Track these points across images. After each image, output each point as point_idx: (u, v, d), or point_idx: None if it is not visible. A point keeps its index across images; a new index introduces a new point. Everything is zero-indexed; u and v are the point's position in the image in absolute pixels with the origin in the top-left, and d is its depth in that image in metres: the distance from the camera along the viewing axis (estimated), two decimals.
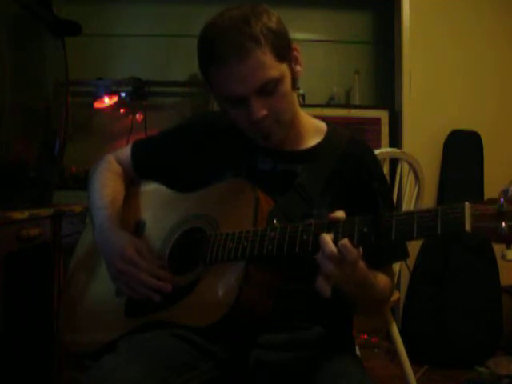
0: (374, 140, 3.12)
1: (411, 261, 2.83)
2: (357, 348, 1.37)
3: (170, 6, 3.38)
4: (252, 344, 1.04)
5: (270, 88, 1.04)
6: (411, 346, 2.18)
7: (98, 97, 3.18)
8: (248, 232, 0.98)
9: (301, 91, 3.11)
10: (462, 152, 3.02)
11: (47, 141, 2.05)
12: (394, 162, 2.05)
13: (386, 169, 1.84)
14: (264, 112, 1.05)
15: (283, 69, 1.05)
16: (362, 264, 0.92)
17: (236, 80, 1.02)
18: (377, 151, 1.51)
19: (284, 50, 1.05)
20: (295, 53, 1.10)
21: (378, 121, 3.18)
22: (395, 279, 1.23)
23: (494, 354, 2.72)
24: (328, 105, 3.27)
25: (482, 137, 3.00)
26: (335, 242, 0.87)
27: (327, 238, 0.87)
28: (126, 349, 0.96)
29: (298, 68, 1.11)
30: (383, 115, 3.18)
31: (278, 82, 1.04)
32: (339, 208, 0.93)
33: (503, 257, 0.76)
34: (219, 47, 1.01)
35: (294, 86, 1.10)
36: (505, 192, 0.76)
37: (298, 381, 1.00)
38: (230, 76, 1.02)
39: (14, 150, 1.80)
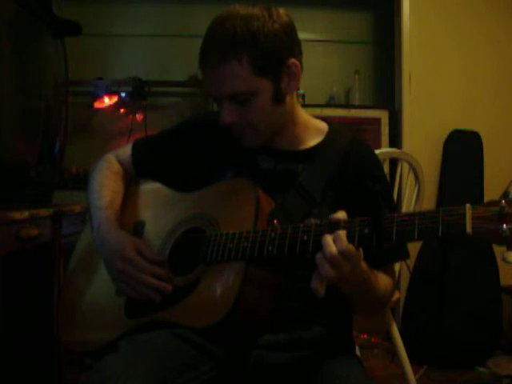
0: (374, 140, 3.11)
1: (411, 261, 2.83)
2: (357, 348, 1.37)
3: (170, 5, 3.38)
4: (252, 344, 1.04)
5: (241, 99, 1.06)
6: (411, 346, 2.18)
7: (98, 97, 3.18)
8: (248, 232, 0.98)
9: (301, 91, 3.11)
10: (462, 152, 3.02)
11: (47, 141, 2.05)
12: (394, 162, 2.05)
13: (385, 169, 1.84)
14: (232, 119, 1.08)
15: (261, 83, 1.05)
16: (362, 264, 0.92)
17: (211, 82, 1.07)
18: (377, 151, 1.51)
19: (268, 65, 1.04)
20: (293, 68, 1.08)
21: (377, 121, 3.18)
22: (395, 279, 1.23)
23: (493, 354, 2.72)
24: (328, 105, 3.26)
25: (481, 137, 3.00)
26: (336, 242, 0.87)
27: (329, 239, 0.87)
28: (126, 349, 0.96)
29: (292, 84, 1.10)
30: (383, 115, 3.18)
31: (251, 95, 1.05)
32: (340, 208, 0.93)
33: (504, 259, 0.77)
34: (205, 47, 1.06)
35: (279, 101, 1.09)
36: (505, 194, 0.76)
37: (298, 381, 1.01)
38: (207, 76, 1.07)
39: (14, 150, 1.80)
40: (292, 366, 1.03)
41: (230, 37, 1.02)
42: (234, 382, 1.04)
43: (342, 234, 0.87)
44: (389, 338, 1.96)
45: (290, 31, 1.07)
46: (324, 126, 1.22)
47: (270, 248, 0.95)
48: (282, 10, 1.08)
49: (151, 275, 1.05)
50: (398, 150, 2.28)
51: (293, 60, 1.08)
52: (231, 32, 1.02)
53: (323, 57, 3.42)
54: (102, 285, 1.16)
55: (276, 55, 1.05)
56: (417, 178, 1.93)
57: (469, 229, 0.77)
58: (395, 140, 3.17)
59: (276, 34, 1.04)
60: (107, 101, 3.19)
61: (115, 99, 3.19)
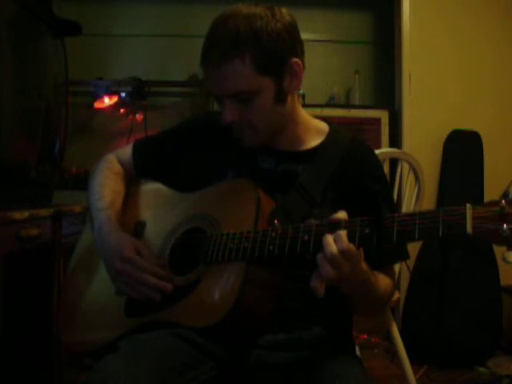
0: (374, 140, 3.12)
1: (411, 261, 2.83)
2: (357, 348, 1.37)
3: (170, 5, 3.38)
4: (252, 344, 1.04)
5: (243, 98, 1.06)
6: (411, 346, 2.18)
7: (98, 97, 3.18)
8: (249, 232, 0.98)
9: (301, 91, 3.11)
10: (462, 152, 3.02)
11: (47, 141, 2.05)
12: (394, 162, 2.05)
13: (385, 169, 1.84)
14: (234, 117, 1.08)
15: (264, 82, 1.05)
16: (363, 265, 0.92)
17: (213, 81, 1.07)
18: (377, 151, 1.51)
19: (271, 64, 1.05)
20: (295, 67, 1.08)
21: (377, 121, 3.18)
22: (395, 279, 1.23)
23: (493, 354, 2.72)
24: (328, 105, 3.26)
25: (481, 137, 3.00)
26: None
27: (329, 238, 0.87)
28: (126, 349, 0.96)
29: (294, 83, 1.10)
30: (383, 115, 3.18)
31: (253, 94, 1.05)
32: (340, 208, 0.93)
33: (504, 259, 0.77)
34: (208, 46, 1.06)
35: (281, 100, 1.09)
36: (505, 194, 0.76)
37: (298, 381, 1.01)
38: (209, 75, 1.07)
39: (14, 150, 1.80)
40: (292, 365, 1.03)
41: (232, 36, 1.02)
42: (234, 382, 1.04)
43: (343, 233, 0.87)
44: (389, 338, 1.96)
45: (292, 31, 1.07)
46: (324, 126, 1.22)
47: (271, 248, 0.95)
48: (284, 10, 1.08)
49: (151, 274, 1.05)
50: (398, 150, 2.28)
51: (295, 59, 1.08)
52: (234, 31, 1.02)
53: (323, 57, 3.42)
54: (102, 285, 1.16)
55: (278, 54, 1.05)
56: (417, 178, 1.93)
57: (469, 229, 0.77)
58: (395, 140, 3.17)
59: (279, 33, 1.04)
60: (107, 101, 3.19)
61: (115, 99, 3.19)
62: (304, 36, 1.11)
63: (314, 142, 1.18)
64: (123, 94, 3.18)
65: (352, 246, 0.86)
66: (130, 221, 1.23)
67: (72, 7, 2.82)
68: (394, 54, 3.25)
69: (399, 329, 2.10)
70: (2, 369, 1.81)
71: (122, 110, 3.27)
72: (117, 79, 3.20)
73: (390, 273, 1.14)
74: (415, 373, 2.07)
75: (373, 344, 2.89)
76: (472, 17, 3.12)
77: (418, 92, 3.10)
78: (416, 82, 3.10)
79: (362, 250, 0.90)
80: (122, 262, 1.06)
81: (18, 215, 1.58)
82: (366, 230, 0.87)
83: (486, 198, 2.74)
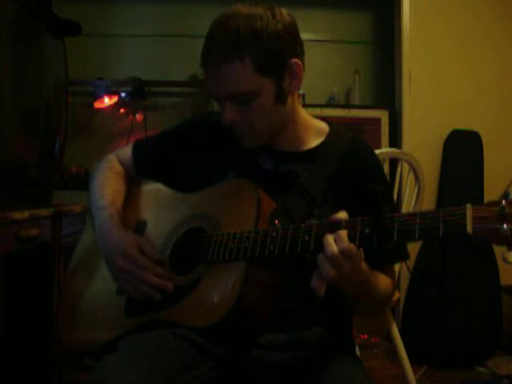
0: (374, 140, 3.11)
1: (411, 261, 2.83)
2: (357, 348, 1.37)
3: (170, 5, 3.38)
4: (252, 344, 1.04)
5: (243, 99, 1.06)
6: (411, 346, 2.18)
7: (98, 97, 3.18)
8: (250, 232, 0.99)
9: (301, 91, 3.11)
10: (462, 152, 3.02)
11: (47, 141, 2.05)
12: (394, 162, 2.05)
13: (385, 169, 1.84)
14: (234, 118, 1.08)
15: (264, 83, 1.05)
16: (363, 265, 0.92)
17: (213, 81, 1.07)
18: (377, 151, 1.51)
19: (271, 64, 1.05)
20: (295, 68, 1.08)
21: (377, 121, 3.18)
22: (395, 279, 1.23)
23: (493, 354, 2.72)
24: (328, 105, 3.26)
25: (481, 137, 3.01)
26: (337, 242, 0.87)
27: (330, 238, 0.87)
28: (126, 349, 0.96)
29: (294, 84, 1.10)
30: (383, 115, 3.18)
31: (253, 95, 1.05)
32: (341, 208, 0.93)
33: (504, 259, 0.77)
34: (208, 46, 1.06)
35: (281, 100, 1.09)
36: (506, 194, 0.76)
37: (298, 381, 1.01)
38: (209, 76, 1.07)
39: (14, 150, 1.80)
40: (292, 365, 1.03)
41: (233, 36, 1.02)
42: (233, 382, 1.04)
43: (344, 233, 0.87)
44: (389, 338, 1.96)
45: (292, 31, 1.07)
46: (325, 126, 1.22)
47: (272, 248, 0.95)
48: (284, 10, 1.08)
49: (152, 273, 1.05)
50: (398, 150, 2.28)
51: (295, 60, 1.08)
52: (234, 31, 1.02)
53: (323, 57, 3.42)
54: (103, 284, 1.16)
55: (279, 55, 1.05)
56: (417, 178, 1.93)
57: (469, 229, 0.77)
58: (395, 140, 3.17)
59: (279, 33, 1.04)
60: (107, 101, 3.19)
61: (115, 99, 3.19)
62: (304, 36, 1.11)
63: (314, 142, 1.18)
64: (123, 94, 3.18)
65: (353, 246, 0.86)
66: (131, 220, 1.23)
67: (72, 7, 2.82)
68: (394, 53, 3.25)
69: (399, 329, 2.10)
70: (1, 369, 1.81)
71: (122, 110, 3.27)
72: (117, 79, 3.20)
73: (390, 273, 1.14)
74: (415, 373, 2.08)
75: (373, 344, 2.89)
76: (472, 17, 3.12)
77: (418, 92, 3.10)
78: (416, 82, 3.10)
79: (362, 249, 0.90)
80: (124, 259, 1.06)
81: (18, 215, 1.58)
82: (367, 230, 0.87)
83: (486, 198, 2.74)
